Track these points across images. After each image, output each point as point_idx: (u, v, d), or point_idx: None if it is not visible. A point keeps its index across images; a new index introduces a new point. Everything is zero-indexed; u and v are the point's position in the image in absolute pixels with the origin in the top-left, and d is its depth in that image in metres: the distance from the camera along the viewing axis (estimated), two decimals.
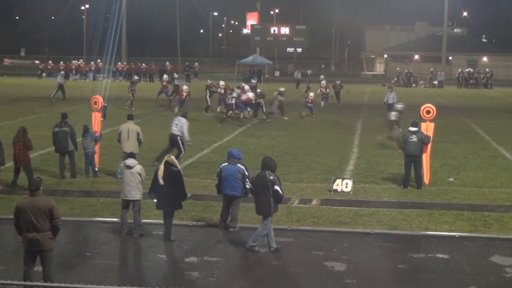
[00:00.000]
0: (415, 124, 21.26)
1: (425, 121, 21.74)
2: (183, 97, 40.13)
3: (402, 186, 21.16)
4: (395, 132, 28.52)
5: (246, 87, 38.84)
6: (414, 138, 20.96)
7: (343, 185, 20.30)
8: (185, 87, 41.42)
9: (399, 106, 30.22)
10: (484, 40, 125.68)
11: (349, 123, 38.22)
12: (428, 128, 21.52)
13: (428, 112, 21.80)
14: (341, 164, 25.21)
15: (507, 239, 16.01)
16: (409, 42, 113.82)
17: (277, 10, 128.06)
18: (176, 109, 38.75)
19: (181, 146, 23.98)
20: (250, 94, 37.82)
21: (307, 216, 17.67)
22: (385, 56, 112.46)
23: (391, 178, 22.56)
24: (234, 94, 37.28)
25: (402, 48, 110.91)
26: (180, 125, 24.07)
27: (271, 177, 14.80)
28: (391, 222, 17.31)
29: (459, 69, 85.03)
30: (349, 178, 20.80)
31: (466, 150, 28.92)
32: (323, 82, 48.01)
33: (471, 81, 79.42)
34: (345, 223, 17.14)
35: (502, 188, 21.56)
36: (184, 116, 24.87)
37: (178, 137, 23.95)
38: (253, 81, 46.99)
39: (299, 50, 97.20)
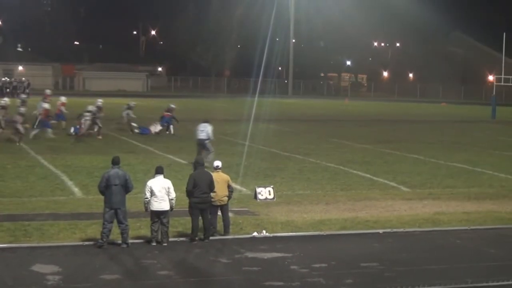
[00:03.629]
0: None
1: None
2: None
3: None
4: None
5: None
6: None
7: None
8: None
9: (99, 101, 39.51)
10: (19, 49, 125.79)
11: None
12: None
13: None
14: None
15: (48, 247, 16.08)
16: None
17: None
18: None
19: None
20: None
21: None
22: None
23: None
24: None
25: None
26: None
27: None
28: None
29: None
30: None
31: (4, 160, 28.55)
32: None
33: (7, 90, 78.93)
34: None
35: (41, 196, 21.70)
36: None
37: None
38: None
39: None
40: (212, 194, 17.01)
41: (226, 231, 17.52)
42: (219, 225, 17.52)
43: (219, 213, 17.50)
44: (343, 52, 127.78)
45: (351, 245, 17.25)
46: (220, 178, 17.28)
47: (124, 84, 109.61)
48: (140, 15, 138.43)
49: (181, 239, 16.97)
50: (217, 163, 17.67)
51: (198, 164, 17.14)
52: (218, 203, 17.28)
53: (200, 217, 16.82)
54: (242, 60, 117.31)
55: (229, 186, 17.51)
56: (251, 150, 33.73)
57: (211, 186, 16.85)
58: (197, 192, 16.67)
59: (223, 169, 17.90)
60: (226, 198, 17.44)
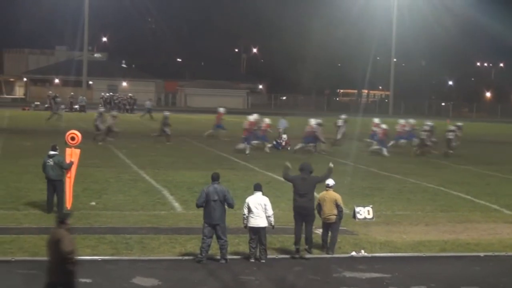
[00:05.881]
0: (54, 148, 21.09)
1: (70, 147, 21.41)
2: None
3: (48, 212, 20.79)
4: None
5: None
6: (51, 162, 20.75)
7: None
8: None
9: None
10: (124, 65, 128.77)
11: None
12: (73, 154, 21.15)
13: (72, 138, 21.43)
14: None
15: (148, 260, 16.40)
16: (49, 66, 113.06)
17: None
18: None
19: None
20: None
21: None
22: (25, 79, 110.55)
23: (33, 203, 22.05)
24: None
25: (43, 71, 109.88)
26: None
27: None
28: (32, 248, 16.88)
29: (102, 93, 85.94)
30: None
31: (107, 173, 29.22)
32: None
33: (113, 104, 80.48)
34: None
35: (143, 210, 22.10)
36: None
37: None
38: None
39: None
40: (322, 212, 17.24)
41: (330, 249, 17.46)
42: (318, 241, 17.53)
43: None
44: (444, 72, 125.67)
45: (451, 267, 16.94)
46: (328, 196, 17.32)
47: (225, 101, 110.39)
48: (241, 33, 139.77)
49: (280, 256, 17.02)
50: (329, 181, 17.65)
51: (301, 170, 17.28)
52: (326, 221, 17.34)
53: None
54: (343, 78, 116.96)
55: (338, 206, 17.46)
56: (349, 169, 33.52)
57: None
58: (295, 195, 16.91)
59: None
60: (333, 217, 17.39)
